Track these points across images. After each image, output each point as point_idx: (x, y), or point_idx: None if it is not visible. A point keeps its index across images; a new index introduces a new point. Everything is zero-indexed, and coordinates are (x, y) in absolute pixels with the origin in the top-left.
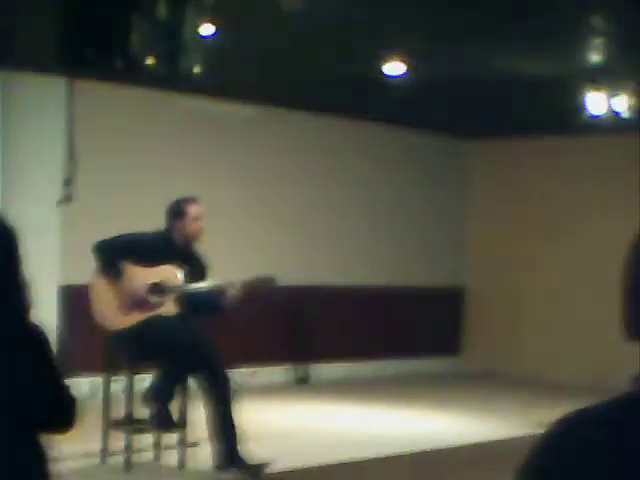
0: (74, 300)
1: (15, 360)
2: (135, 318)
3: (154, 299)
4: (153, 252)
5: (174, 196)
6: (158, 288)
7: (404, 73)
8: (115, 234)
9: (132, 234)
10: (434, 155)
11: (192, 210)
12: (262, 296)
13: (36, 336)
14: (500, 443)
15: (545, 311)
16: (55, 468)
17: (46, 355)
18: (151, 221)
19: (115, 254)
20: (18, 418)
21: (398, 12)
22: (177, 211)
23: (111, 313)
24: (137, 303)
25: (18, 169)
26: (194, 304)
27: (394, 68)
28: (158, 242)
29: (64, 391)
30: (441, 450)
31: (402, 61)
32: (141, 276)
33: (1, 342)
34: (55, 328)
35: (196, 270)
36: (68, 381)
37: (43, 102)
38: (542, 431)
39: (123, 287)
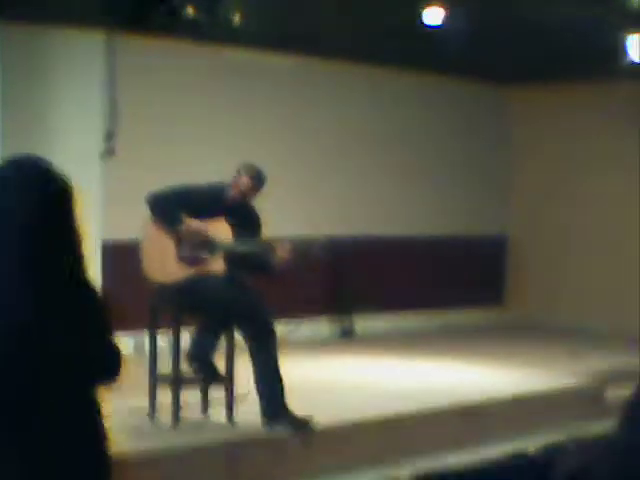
0: (117, 255)
1: (72, 313)
2: (183, 272)
3: (203, 255)
4: (207, 204)
5: (215, 149)
6: (209, 244)
7: (443, 20)
8: (156, 188)
9: (187, 186)
10: (476, 102)
11: (241, 180)
12: (310, 260)
13: (90, 288)
14: (545, 393)
15: (589, 260)
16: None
17: (99, 308)
18: (192, 175)
19: (170, 206)
20: (75, 371)
21: None
22: (236, 172)
23: (159, 266)
24: (186, 258)
25: (59, 124)
26: (242, 263)
27: (433, 15)
28: (211, 195)
29: (113, 344)
30: (486, 401)
31: (441, 6)
32: (192, 230)
33: (59, 294)
34: (99, 284)
35: (247, 226)
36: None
37: (83, 56)
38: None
39: (175, 239)
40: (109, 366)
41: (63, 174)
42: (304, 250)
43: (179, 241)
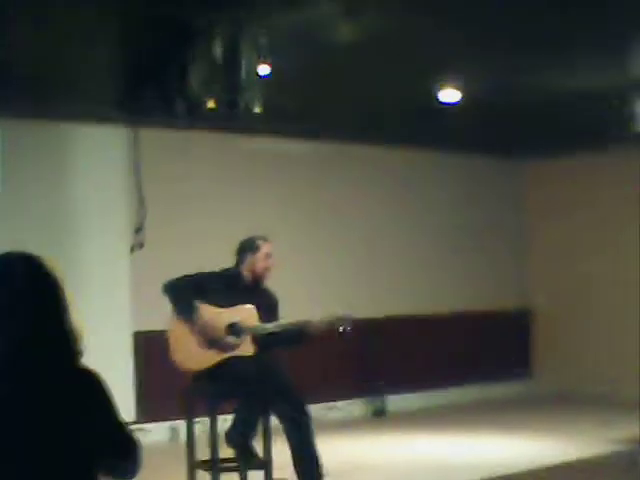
0: (148, 346)
1: (70, 404)
2: (213, 359)
3: (231, 340)
4: (222, 291)
5: (240, 239)
6: (235, 329)
7: (459, 100)
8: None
9: (200, 273)
10: (493, 177)
11: (264, 247)
12: (339, 334)
13: (91, 380)
14: (579, 462)
15: (614, 328)
16: None
17: (103, 399)
18: (221, 265)
19: (186, 293)
20: (79, 462)
21: (450, 37)
22: (249, 246)
23: (188, 354)
24: (215, 344)
25: (83, 218)
26: (271, 342)
27: (449, 95)
28: (226, 281)
29: (126, 434)
30: (521, 472)
31: (456, 87)
32: (216, 316)
33: (56, 387)
34: (131, 375)
35: (266, 308)
36: (137, 426)
37: (105, 151)
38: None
39: (199, 327)
40: (125, 458)
41: (50, 266)
42: (332, 325)
43: (202, 331)
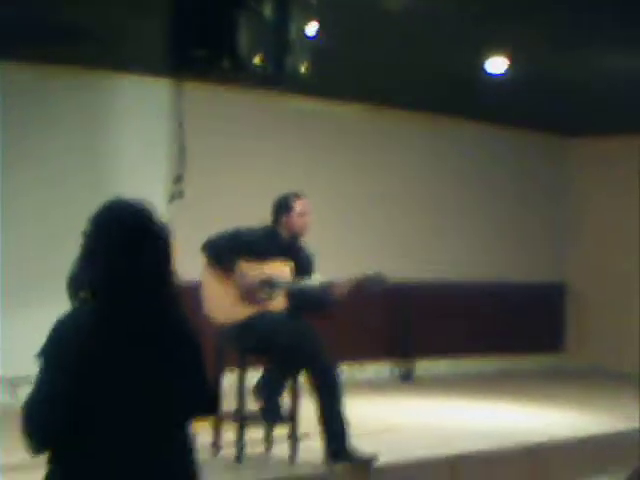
0: (184, 297)
1: (173, 348)
2: (245, 312)
3: (264, 294)
4: (260, 247)
5: (279, 194)
6: (268, 283)
7: (506, 70)
8: (216, 231)
9: (238, 230)
10: (535, 152)
11: (298, 205)
12: (371, 294)
13: (188, 325)
14: (604, 437)
15: None
16: None
17: (198, 345)
18: (258, 220)
19: (225, 250)
20: (172, 407)
21: (500, 9)
22: (283, 205)
23: (221, 307)
24: (247, 297)
25: (122, 166)
26: (302, 300)
27: (496, 65)
28: (264, 237)
29: (210, 386)
30: (544, 443)
31: (504, 56)
32: (251, 271)
33: (159, 329)
34: None
35: (302, 265)
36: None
37: (150, 101)
38: None
39: (234, 281)
40: (209, 402)
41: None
42: (364, 284)
43: (237, 284)
